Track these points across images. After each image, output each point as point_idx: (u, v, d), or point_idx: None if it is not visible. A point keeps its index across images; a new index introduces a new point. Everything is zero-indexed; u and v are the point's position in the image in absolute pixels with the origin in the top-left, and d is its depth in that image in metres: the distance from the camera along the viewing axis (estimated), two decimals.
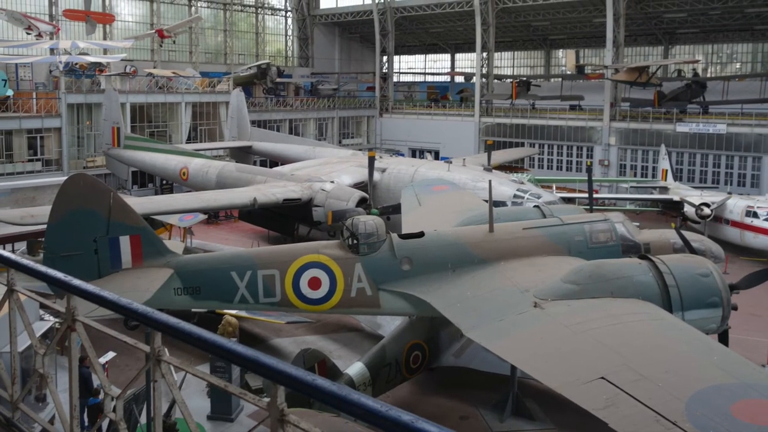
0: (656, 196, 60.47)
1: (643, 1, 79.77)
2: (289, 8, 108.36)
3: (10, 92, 63.31)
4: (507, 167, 67.29)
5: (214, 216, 61.93)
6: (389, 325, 31.50)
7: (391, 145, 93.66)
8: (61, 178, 40.76)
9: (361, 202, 44.72)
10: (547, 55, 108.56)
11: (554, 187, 60.41)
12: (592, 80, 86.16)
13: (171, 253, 23.42)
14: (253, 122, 74.34)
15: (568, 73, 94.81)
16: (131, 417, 20.12)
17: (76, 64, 70.07)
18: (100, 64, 73.13)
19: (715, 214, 51.31)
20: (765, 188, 64.20)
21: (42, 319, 23.27)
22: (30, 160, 64.00)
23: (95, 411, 20.96)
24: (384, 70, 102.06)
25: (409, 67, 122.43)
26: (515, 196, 43.32)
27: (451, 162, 53.17)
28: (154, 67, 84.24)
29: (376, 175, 49.43)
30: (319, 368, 22.24)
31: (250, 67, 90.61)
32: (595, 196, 42.66)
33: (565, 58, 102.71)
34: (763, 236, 48.81)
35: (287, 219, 49.30)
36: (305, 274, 23.04)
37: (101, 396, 14.88)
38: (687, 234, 25.25)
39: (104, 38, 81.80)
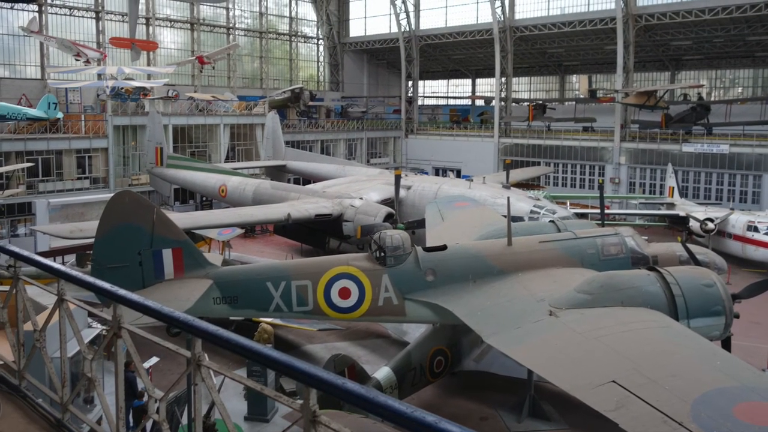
0: (663, 211, 60.29)
1: (651, 30, 79.54)
2: (320, 36, 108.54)
3: (60, 115, 63.69)
4: (524, 185, 67.05)
5: (250, 230, 62.11)
6: (414, 332, 31.43)
7: (416, 164, 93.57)
8: (107, 195, 40.85)
9: (388, 218, 44.69)
10: (561, 80, 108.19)
11: (568, 204, 60.16)
12: (604, 103, 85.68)
13: (210, 265, 23.47)
14: (287, 143, 74.48)
15: (581, 96, 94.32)
16: (173, 418, 20.15)
17: (122, 88, 70.37)
18: (144, 88, 73.38)
19: (719, 229, 51.18)
20: (765, 204, 64.04)
21: (90, 326, 23.31)
22: (79, 178, 64.39)
23: (140, 412, 20.98)
24: (409, 94, 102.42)
25: (433, 91, 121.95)
26: (532, 211, 43.14)
27: (472, 180, 53.05)
28: (195, 91, 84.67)
29: (402, 192, 49.31)
30: (348, 372, 22.20)
31: (284, 92, 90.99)
32: (606, 211, 42.50)
33: (578, 83, 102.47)
34: (763, 249, 48.66)
35: (319, 233, 49.34)
36: (336, 284, 23.08)
37: (145, 398, 14.97)
38: (692, 247, 25.19)
39: (148, 64, 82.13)
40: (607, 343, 17.73)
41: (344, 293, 23.16)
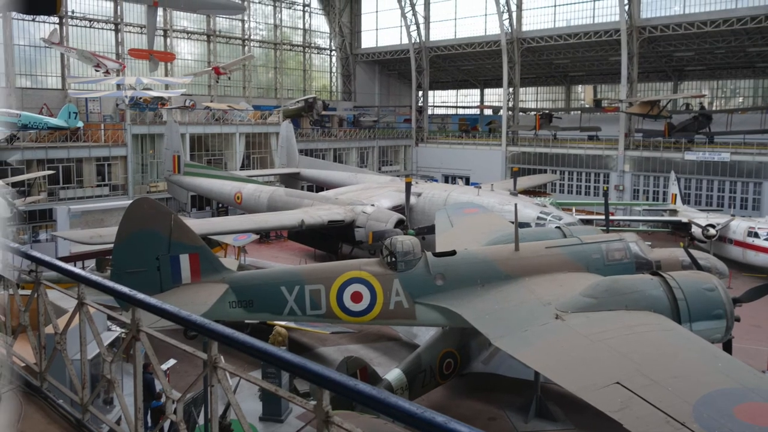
0: (666, 218, 60.18)
1: (655, 41, 79.46)
2: (333, 48, 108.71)
3: (80, 124, 63.70)
4: (531, 192, 66.83)
5: (265, 236, 62.17)
6: (424, 335, 31.46)
7: (426, 172, 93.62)
8: (126, 202, 40.90)
9: (399, 224, 44.65)
10: (567, 90, 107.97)
11: (574, 210, 60.00)
12: (609, 113, 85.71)
13: (226, 269, 23.49)
14: (300, 151, 74.43)
15: (587, 106, 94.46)
16: (190, 418, 20.16)
17: (141, 98, 70.48)
18: (162, 98, 73.49)
19: (720, 235, 51.19)
20: (765, 211, 63.95)
21: (109, 329, 23.31)
22: (98, 186, 64.46)
23: (158, 413, 20.99)
24: (419, 104, 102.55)
25: (443, 100, 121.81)
26: (538, 218, 43.01)
27: (480, 187, 52.96)
28: (211, 101, 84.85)
29: (413, 199, 49.23)
30: (360, 374, 22.19)
31: (298, 101, 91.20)
32: (610, 218, 42.43)
33: (583, 93, 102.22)
34: (763, 254, 48.66)
35: (332, 239, 49.30)
36: (348, 288, 23.09)
37: (163, 399, 14.91)
38: (694, 252, 25.15)
39: (166, 75, 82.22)
40: (612, 345, 17.71)
41: (356, 297, 23.17)
